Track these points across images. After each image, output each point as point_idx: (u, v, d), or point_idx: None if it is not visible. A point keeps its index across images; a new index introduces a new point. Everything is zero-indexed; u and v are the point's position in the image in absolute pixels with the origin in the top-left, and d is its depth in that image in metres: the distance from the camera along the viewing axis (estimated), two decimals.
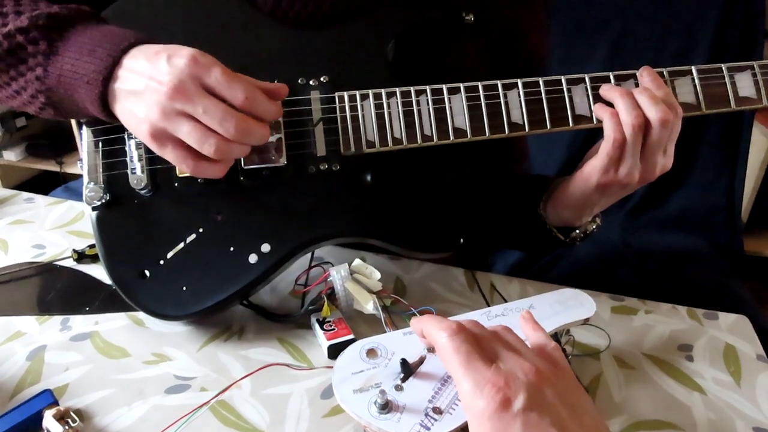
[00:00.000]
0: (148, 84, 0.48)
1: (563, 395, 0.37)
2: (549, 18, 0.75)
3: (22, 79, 0.52)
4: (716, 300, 0.88)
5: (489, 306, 0.64)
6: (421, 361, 0.45)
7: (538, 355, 0.41)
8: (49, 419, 0.46)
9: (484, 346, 0.40)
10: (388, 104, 0.57)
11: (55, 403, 0.48)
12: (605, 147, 0.56)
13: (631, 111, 0.54)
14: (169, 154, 0.50)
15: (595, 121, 0.57)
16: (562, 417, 0.36)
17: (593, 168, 0.58)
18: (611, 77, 0.58)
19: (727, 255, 1.37)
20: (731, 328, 0.63)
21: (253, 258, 0.56)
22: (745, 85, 0.58)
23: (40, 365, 0.54)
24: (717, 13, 1.41)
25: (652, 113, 0.54)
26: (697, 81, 0.58)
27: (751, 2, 1.42)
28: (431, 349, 0.45)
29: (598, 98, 0.57)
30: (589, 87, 0.57)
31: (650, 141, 0.55)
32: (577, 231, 0.67)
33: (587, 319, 0.52)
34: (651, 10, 1.44)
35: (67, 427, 0.46)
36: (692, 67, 0.58)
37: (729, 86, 0.58)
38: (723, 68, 0.58)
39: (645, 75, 0.57)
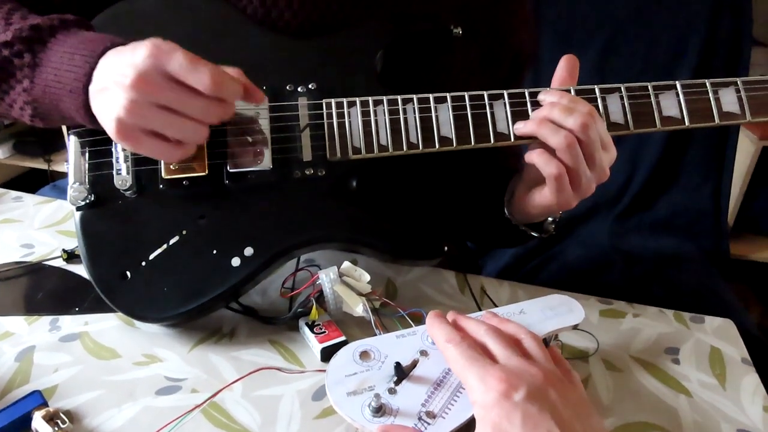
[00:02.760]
0: (115, 79, 0.47)
1: (568, 401, 0.39)
2: (535, 13, 0.75)
3: (13, 92, 0.52)
4: (703, 303, 0.89)
5: (480, 309, 0.65)
6: (414, 364, 0.45)
7: (556, 366, 0.43)
8: (38, 420, 0.46)
9: (504, 349, 0.42)
10: (375, 112, 0.57)
11: (45, 404, 0.48)
12: (550, 182, 0.55)
13: (555, 135, 0.53)
14: (146, 149, 0.49)
15: None
16: (564, 416, 0.37)
17: (544, 198, 0.57)
18: (596, 90, 0.58)
19: (713, 259, 1.38)
20: (717, 331, 0.64)
21: (236, 261, 0.56)
22: (728, 100, 0.59)
23: (29, 366, 0.54)
24: (705, 20, 1.43)
25: (571, 123, 0.53)
26: (681, 96, 0.59)
27: (738, 9, 1.44)
28: (424, 353, 0.46)
29: None
30: None
31: (584, 147, 0.54)
32: (550, 221, 0.65)
33: (576, 325, 0.53)
34: (640, 16, 1.46)
35: (56, 429, 0.45)
36: (676, 82, 0.59)
37: (713, 102, 0.59)
38: (707, 83, 0.59)
39: (543, 95, 0.57)
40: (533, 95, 0.58)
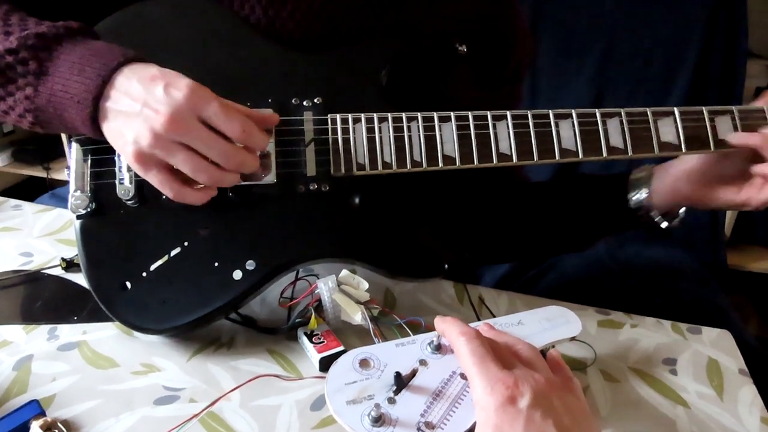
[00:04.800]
0: (143, 110, 0.48)
1: (570, 409, 0.40)
2: (533, 21, 0.77)
3: (11, 98, 0.52)
4: (700, 314, 0.89)
5: (478, 319, 0.65)
6: (414, 374, 0.45)
7: (556, 376, 0.43)
8: (36, 430, 0.46)
9: (504, 358, 0.43)
10: (380, 128, 0.57)
11: (42, 413, 0.48)
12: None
13: None
14: (153, 178, 0.51)
15: (581, 155, 0.58)
16: (565, 423, 0.38)
17: (733, 195, 0.61)
18: (597, 114, 0.59)
19: (710, 269, 1.39)
20: (714, 342, 0.65)
21: (237, 274, 0.56)
22: (724, 128, 0.60)
23: (27, 375, 0.53)
24: (701, 31, 1.45)
25: None
26: (678, 122, 0.59)
27: (733, 21, 1.45)
28: (423, 362, 0.46)
29: (585, 132, 0.58)
30: (576, 122, 0.58)
31: None
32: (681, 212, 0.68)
33: (573, 337, 0.53)
34: (637, 27, 1.48)
35: None
36: (675, 109, 0.59)
37: (709, 129, 0.59)
38: (704, 110, 0.60)
39: None
40: (536, 116, 0.58)
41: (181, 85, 0.48)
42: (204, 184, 0.52)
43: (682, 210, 0.68)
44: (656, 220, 0.67)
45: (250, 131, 0.50)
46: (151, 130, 0.48)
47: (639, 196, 0.66)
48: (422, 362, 0.46)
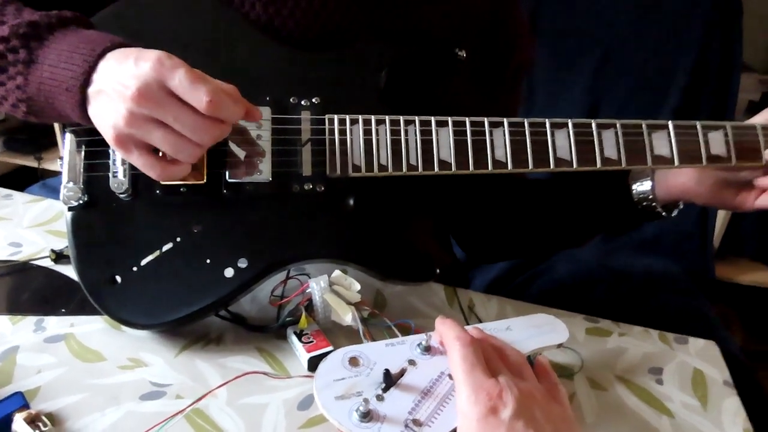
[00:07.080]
0: (115, 87, 0.47)
1: (552, 418, 0.40)
2: (531, 25, 0.77)
3: (3, 88, 0.52)
4: (687, 324, 0.90)
5: (467, 323, 0.65)
6: (402, 372, 0.45)
7: (543, 387, 0.44)
8: (19, 422, 0.45)
9: (491, 363, 0.43)
10: (377, 131, 0.57)
11: (26, 406, 0.48)
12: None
13: None
14: (135, 160, 0.50)
15: (575, 165, 0.58)
16: None
17: (733, 200, 0.63)
18: (593, 124, 0.59)
19: (698, 280, 1.40)
20: (700, 353, 0.65)
21: (229, 272, 0.56)
22: (717, 144, 0.60)
23: (12, 366, 0.53)
24: (696, 42, 1.46)
25: None
26: (672, 136, 0.59)
27: (729, 35, 1.46)
28: (412, 362, 0.46)
29: (580, 143, 0.58)
30: (571, 132, 0.58)
31: None
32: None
33: (560, 345, 0.54)
34: (633, 36, 1.49)
35: None
36: (669, 122, 0.60)
37: (702, 144, 0.60)
38: (697, 125, 0.60)
39: None
40: (533, 125, 0.58)
41: (149, 56, 0.47)
42: (185, 161, 0.50)
43: (681, 203, 0.69)
44: (657, 210, 0.68)
45: (218, 100, 0.47)
46: (125, 108, 0.47)
47: (643, 187, 0.67)
48: (411, 362, 0.46)
